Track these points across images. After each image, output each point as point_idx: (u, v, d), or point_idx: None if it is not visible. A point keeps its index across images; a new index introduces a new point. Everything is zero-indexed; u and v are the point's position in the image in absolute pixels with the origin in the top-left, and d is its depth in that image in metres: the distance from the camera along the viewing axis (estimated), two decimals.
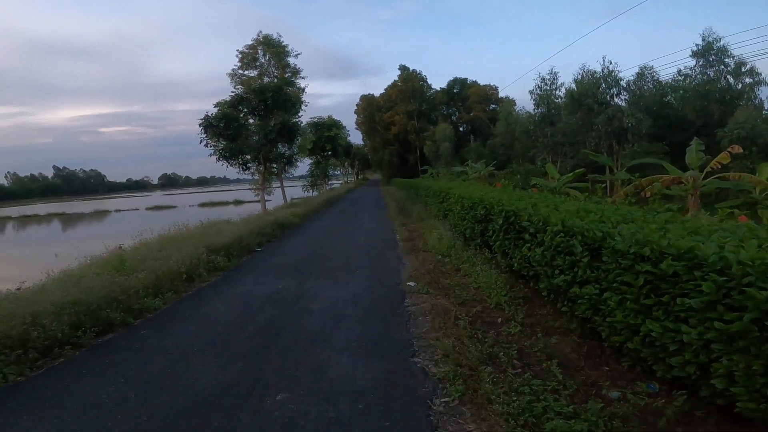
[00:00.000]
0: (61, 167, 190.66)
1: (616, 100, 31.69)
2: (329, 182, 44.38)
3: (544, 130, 35.45)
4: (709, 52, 32.11)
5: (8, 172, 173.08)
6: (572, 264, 4.69)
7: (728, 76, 32.42)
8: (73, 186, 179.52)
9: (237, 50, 29.25)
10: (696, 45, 32.82)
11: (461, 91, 70.24)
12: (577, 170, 16.34)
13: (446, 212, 13.45)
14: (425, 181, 28.09)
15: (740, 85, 32.54)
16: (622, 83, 31.84)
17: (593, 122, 30.73)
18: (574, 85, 33.32)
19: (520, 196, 8.40)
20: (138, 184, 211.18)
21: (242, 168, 22.06)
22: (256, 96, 21.04)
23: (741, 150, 13.69)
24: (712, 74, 32.55)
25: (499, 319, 5.74)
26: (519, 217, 6.59)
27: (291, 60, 29.20)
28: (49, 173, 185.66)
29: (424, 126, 64.72)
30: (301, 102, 25.60)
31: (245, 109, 21.40)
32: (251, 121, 21.91)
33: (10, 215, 62.54)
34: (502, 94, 66.52)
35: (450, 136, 52.15)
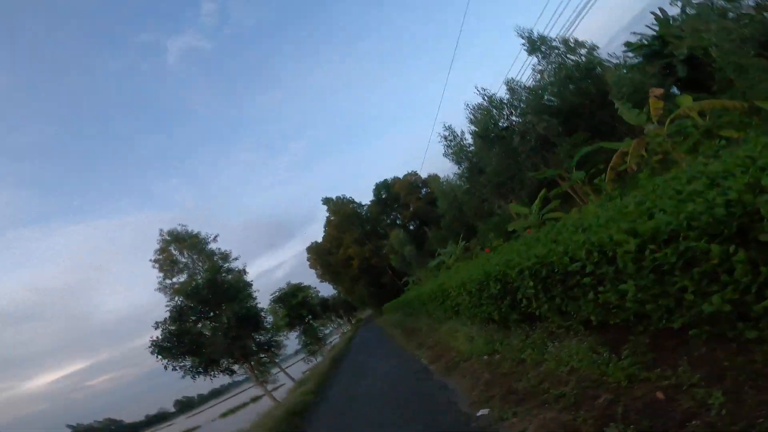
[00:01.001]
0: (75, 424, 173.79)
1: (514, 117, 31.17)
2: (326, 342, 41.70)
3: (479, 181, 34.19)
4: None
5: None
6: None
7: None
8: None
9: (150, 260, 26.82)
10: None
11: (390, 192, 69.83)
12: (540, 194, 15.70)
13: (456, 309, 11.90)
14: (412, 292, 26.58)
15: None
16: (504, 100, 31.25)
17: (513, 148, 29.71)
18: (473, 126, 32.47)
19: (522, 247, 7.13)
20: (157, 417, 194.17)
21: (228, 374, 19.93)
22: (194, 299, 19.60)
23: (662, 90, 13.27)
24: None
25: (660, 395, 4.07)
26: (556, 264, 5.22)
27: (213, 246, 27.93)
28: None
29: (379, 244, 64.05)
30: (248, 285, 24.17)
31: (192, 317, 19.79)
32: (201, 325, 20.27)
33: None
34: (423, 174, 67.09)
35: (405, 238, 51.23)
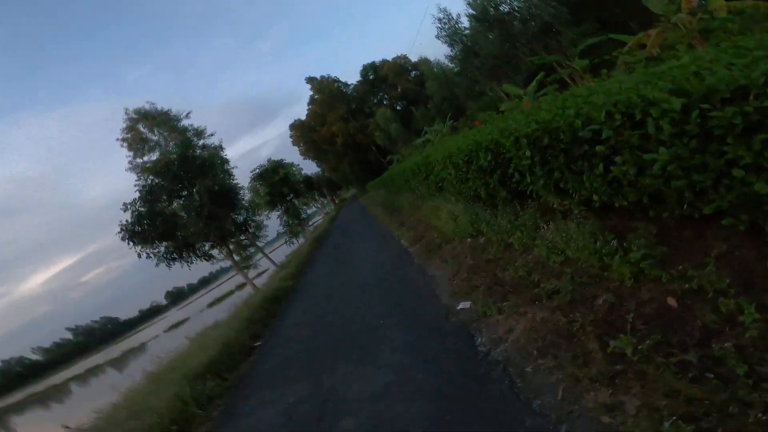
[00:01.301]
0: (74, 326, 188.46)
1: (516, 2, 29.16)
2: (310, 223, 41.37)
3: (473, 63, 33.22)
4: None
5: (32, 347, 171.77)
6: None
7: None
8: (96, 338, 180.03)
9: (117, 139, 26.04)
10: None
11: (377, 74, 67.32)
12: (537, 76, 13.78)
13: (439, 185, 10.83)
14: (395, 168, 25.53)
15: None
16: None
17: (513, 33, 28.40)
18: (470, 9, 30.80)
19: (520, 115, 5.77)
20: (150, 311, 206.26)
21: (205, 258, 19.22)
22: (164, 176, 18.17)
23: None
24: None
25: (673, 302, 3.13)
26: (563, 130, 4.00)
27: (186, 123, 26.16)
28: (68, 335, 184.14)
29: (365, 122, 62.15)
30: (222, 159, 22.78)
31: (164, 196, 18.48)
32: (175, 205, 18.98)
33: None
34: (413, 58, 64.57)
35: (392, 116, 49.83)
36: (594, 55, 14.98)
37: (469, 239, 7.33)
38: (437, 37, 34.92)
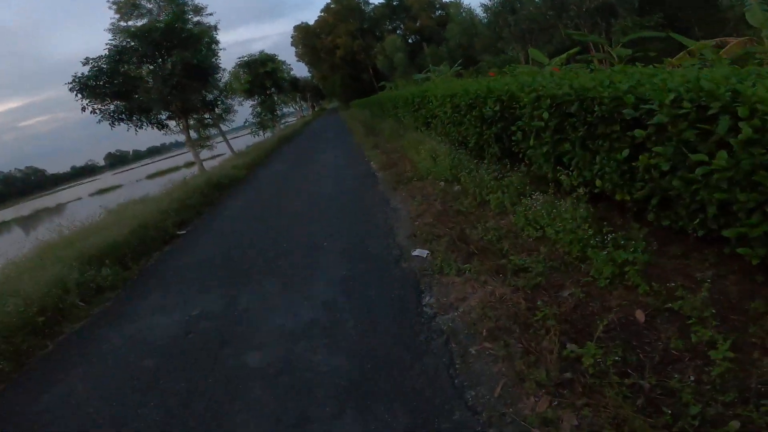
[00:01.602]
0: None
1: None
2: (282, 121, 39.20)
3: (506, 19, 31.39)
4: None
5: None
6: None
7: None
8: (15, 189, 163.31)
9: (108, 1, 23.03)
10: None
11: (402, 2, 64.19)
12: (571, 50, 12.37)
13: (428, 120, 9.88)
14: (386, 94, 24.04)
15: None
16: None
17: (567, 1, 26.52)
18: None
19: (548, 77, 4.85)
20: (84, 169, 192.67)
21: (158, 127, 17.58)
22: (140, 41, 16.16)
23: None
24: None
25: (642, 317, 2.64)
26: (606, 101, 3.34)
27: None
28: None
29: (372, 43, 59.36)
30: (211, 39, 20.61)
31: (132, 59, 16.48)
32: (144, 70, 17.09)
33: None
34: None
35: (401, 46, 47.60)
36: (639, 49, 13.74)
37: (443, 182, 6.53)
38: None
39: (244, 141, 36.23)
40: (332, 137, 21.23)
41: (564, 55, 11.70)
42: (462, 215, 5.09)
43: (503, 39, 33.33)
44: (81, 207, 41.04)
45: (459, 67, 25.42)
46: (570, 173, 4.05)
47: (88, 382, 3.53)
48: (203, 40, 18.91)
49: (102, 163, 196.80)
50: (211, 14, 23.99)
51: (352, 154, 12.90)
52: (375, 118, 22.12)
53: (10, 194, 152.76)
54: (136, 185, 47.54)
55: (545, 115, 4.09)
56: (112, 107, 15.99)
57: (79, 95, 15.25)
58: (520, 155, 5.33)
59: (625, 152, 3.18)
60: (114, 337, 4.26)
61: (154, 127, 17.71)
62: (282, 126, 38.48)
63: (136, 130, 17.05)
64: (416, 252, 4.43)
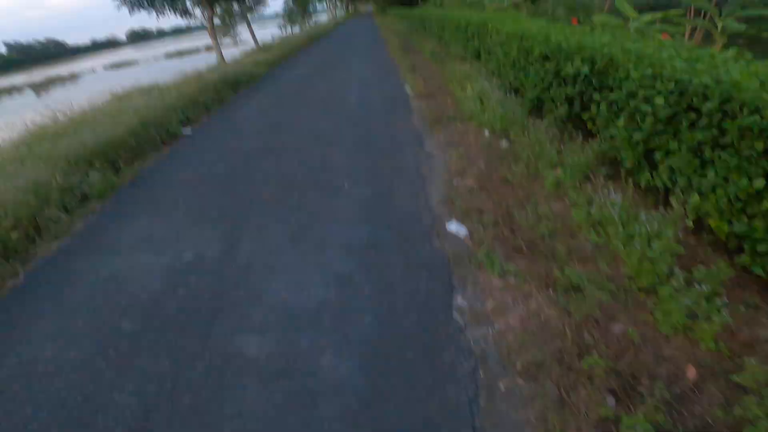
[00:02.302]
0: (12, 42, 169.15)
1: None
2: (313, 18, 36.33)
3: None
4: None
5: None
6: None
7: None
8: (33, 58, 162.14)
9: None
10: None
11: None
12: (672, 11, 10.16)
13: (478, 54, 8.63)
14: (435, 10, 21.79)
15: None
16: None
17: None
18: None
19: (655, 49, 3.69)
20: (105, 44, 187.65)
21: (180, 14, 16.02)
22: None
23: None
24: None
25: None
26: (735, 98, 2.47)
27: None
28: (2, 49, 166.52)
29: None
30: None
31: None
32: None
33: None
34: None
35: None
36: (753, 27, 11.30)
37: (488, 132, 5.56)
38: None
39: (270, 33, 34.06)
40: (364, 45, 19.43)
41: (659, 14, 9.75)
42: (508, 186, 4.25)
43: None
44: (93, 80, 40.10)
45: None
46: (655, 174, 3.19)
47: (51, 346, 2.89)
48: None
49: (124, 39, 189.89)
50: None
51: (385, 70, 11.56)
52: (415, 34, 20.22)
53: (26, 63, 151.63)
54: (152, 64, 46.98)
55: (659, 101, 3.09)
56: None
57: None
58: (588, 127, 4.40)
59: (759, 183, 2.31)
60: (90, 276, 3.62)
61: (177, 14, 16.13)
62: (312, 23, 35.69)
63: (157, 16, 15.56)
64: (452, 227, 3.66)
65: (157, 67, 39.41)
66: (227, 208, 4.55)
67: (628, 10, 10.07)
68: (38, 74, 72.67)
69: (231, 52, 21.60)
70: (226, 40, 24.41)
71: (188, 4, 16.27)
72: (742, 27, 10.12)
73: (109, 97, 9.16)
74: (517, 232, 3.44)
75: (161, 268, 3.59)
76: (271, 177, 5.18)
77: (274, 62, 14.45)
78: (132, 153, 6.07)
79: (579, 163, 4.04)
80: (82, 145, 5.56)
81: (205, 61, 17.01)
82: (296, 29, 31.70)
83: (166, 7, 15.34)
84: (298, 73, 12.91)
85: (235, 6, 22.20)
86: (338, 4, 71.49)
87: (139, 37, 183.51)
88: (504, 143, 5.24)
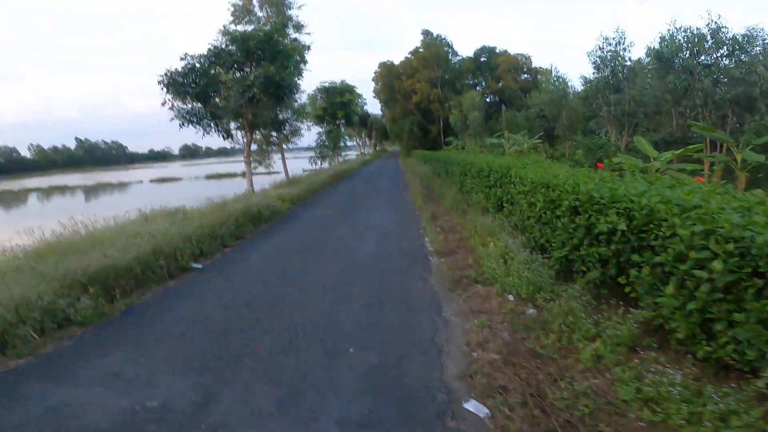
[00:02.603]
0: (83, 139, 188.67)
1: (725, 61, 24.92)
2: (343, 154, 38.76)
3: (607, 97, 29.11)
4: None
5: (31, 144, 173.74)
6: None
7: None
8: (95, 157, 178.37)
9: (228, 1, 24.15)
10: None
11: (489, 60, 64.34)
12: (691, 146, 10.22)
13: (501, 203, 8.50)
14: (457, 154, 22.94)
15: None
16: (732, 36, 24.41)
17: (692, 87, 24.25)
18: (657, 45, 26.55)
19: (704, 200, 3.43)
20: (159, 155, 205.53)
21: (223, 136, 17.08)
22: (238, 46, 15.91)
23: None
24: None
25: None
26: None
27: (294, 13, 23.82)
28: (72, 145, 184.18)
29: (449, 95, 59.30)
30: (301, 57, 20.56)
31: (226, 64, 16.29)
32: (227, 76, 16.70)
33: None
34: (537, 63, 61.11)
35: (480, 104, 44.79)
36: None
37: (512, 297, 5.15)
38: (588, 54, 30.20)
39: (300, 164, 36.14)
40: (385, 188, 20.13)
41: (680, 151, 9.67)
42: (538, 359, 3.73)
43: (596, 117, 30.87)
44: (135, 193, 42.69)
45: (539, 140, 23.98)
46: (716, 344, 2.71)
47: None
48: (293, 58, 18.52)
49: (176, 152, 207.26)
50: (309, 33, 24.32)
51: (406, 219, 11.61)
52: (437, 177, 21.18)
53: (87, 161, 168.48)
54: (191, 183, 51.41)
55: (717, 266, 2.72)
56: (188, 107, 15.67)
57: (165, 89, 15.14)
58: (630, 294, 3.98)
59: None
60: (33, 402, 3.28)
61: (221, 135, 17.20)
62: (341, 159, 38.08)
63: (203, 134, 16.63)
64: (470, 405, 3.10)
65: (195, 187, 42.34)
66: (214, 358, 4.08)
67: (647, 149, 10.04)
68: (94, 176, 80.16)
69: (262, 181, 22.75)
70: (260, 168, 25.84)
71: (232, 125, 17.30)
72: (762, 158, 9.92)
73: (136, 216, 9.33)
74: (551, 413, 2.88)
75: (117, 410, 3.12)
76: (272, 331, 4.72)
77: (299, 198, 14.91)
78: (134, 282, 5.83)
79: (621, 335, 3.58)
80: (85, 266, 5.37)
81: (237, 188, 17.74)
82: (325, 164, 33.61)
83: (212, 126, 16.32)
84: (319, 214, 13.04)
85: (273, 134, 23.65)
86: (367, 141, 77.18)
87: (189, 152, 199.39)
88: (531, 310, 4.80)
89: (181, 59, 15.28)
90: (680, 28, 25.53)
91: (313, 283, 6.43)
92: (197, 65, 15.38)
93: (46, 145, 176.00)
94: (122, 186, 55.45)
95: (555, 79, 34.47)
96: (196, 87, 15.10)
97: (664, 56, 25.68)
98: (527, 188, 6.67)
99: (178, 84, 14.98)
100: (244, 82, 15.53)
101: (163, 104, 15.35)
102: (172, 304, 5.56)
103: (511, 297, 5.20)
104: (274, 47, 16.45)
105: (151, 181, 59.67)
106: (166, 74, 14.93)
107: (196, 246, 7.51)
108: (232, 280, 6.65)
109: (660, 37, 26.48)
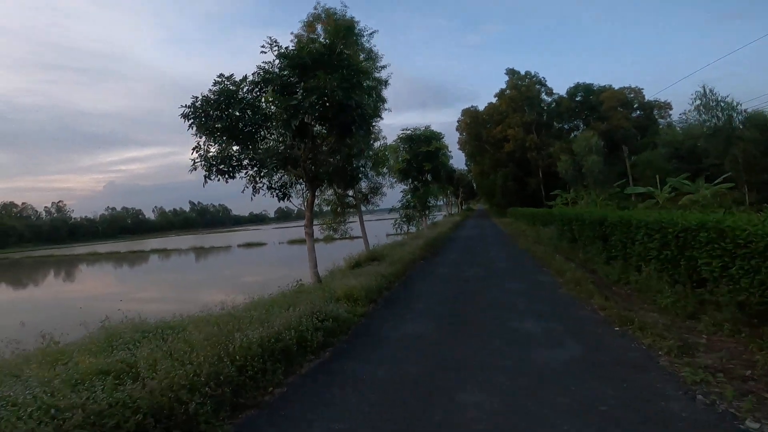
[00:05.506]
0: (195, 203, 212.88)
1: None
2: (430, 215, 32.42)
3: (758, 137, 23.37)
4: None
5: (155, 206, 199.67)
6: None
7: None
8: (205, 219, 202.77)
9: (291, 33, 21.49)
10: None
11: (588, 98, 55.74)
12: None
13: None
14: (571, 210, 16.76)
15: None
16: None
17: None
18: None
19: None
20: (257, 217, 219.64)
21: (278, 194, 11.84)
22: (289, 63, 10.79)
23: None
24: None
25: None
26: None
27: (367, 43, 19.21)
28: (186, 207, 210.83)
29: (547, 141, 51.73)
30: (379, 95, 16.22)
31: (271, 86, 10.85)
32: (267, 102, 11.13)
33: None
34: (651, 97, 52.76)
35: (598, 146, 36.24)
36: None
37: None
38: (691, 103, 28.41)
39: (383, 228, 31.20)
40: (509, 267, 13.30)
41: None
42: None
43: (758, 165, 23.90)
44: (221, 261, 43.01)
45: (717, 187, 17.49)
46: None
47: None
48: (364, 75, 12.86)
49: (273, 215, 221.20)
50: (384, 67, 19.51)
51: (563, 321, 6.41)
52: (552, 244, 15.00)
53: (198, 224, 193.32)
54: (276, 247, 52.66)
55: None
56: (216, 149, 10.81)
57: (189, 126, 10.51)
58: None
59: None
60: None
61: (273, 193, 11.78)
62: (429, 222, 32.03)
63: (252, 192, 11.45)
64: None
65: (278, 254, 41.82)
66: None
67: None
68: (188, 240, 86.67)
69: (336, 251, 18.20)
70: (335, 234, 21.19)
71: (283, 177, 12.19)
72: None
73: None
74: None
75: None
76: None
77: (379, 290, 9.61)
78: None
79: None
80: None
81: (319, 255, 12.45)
82: (412, 227, 28.00)
83: (255, 179, 11.31)
84: (412, 329, 6.99)
85: (349, 192, 18.93)
86: (453, 199, 70.41)
87: (283, 215, 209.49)
88: None
89: (216, 83, 10.63)
90: None
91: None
92: (231, 87, 10.64)
93: (167, 208, 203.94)
94: (213, 252, 56.49)
95: (715, 104, 26.87)
96: (227, 118, 10.42)
97: None
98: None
99: (205, 116, 10.42)
100: (288, 102, 10.36)
101: (194, 149, 10.71)
102: None
103: None
104: (338, 58, 11.12)
105: (240, 245, 60.28)
106: (193, 103, 10.42)
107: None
108: None
109: None
